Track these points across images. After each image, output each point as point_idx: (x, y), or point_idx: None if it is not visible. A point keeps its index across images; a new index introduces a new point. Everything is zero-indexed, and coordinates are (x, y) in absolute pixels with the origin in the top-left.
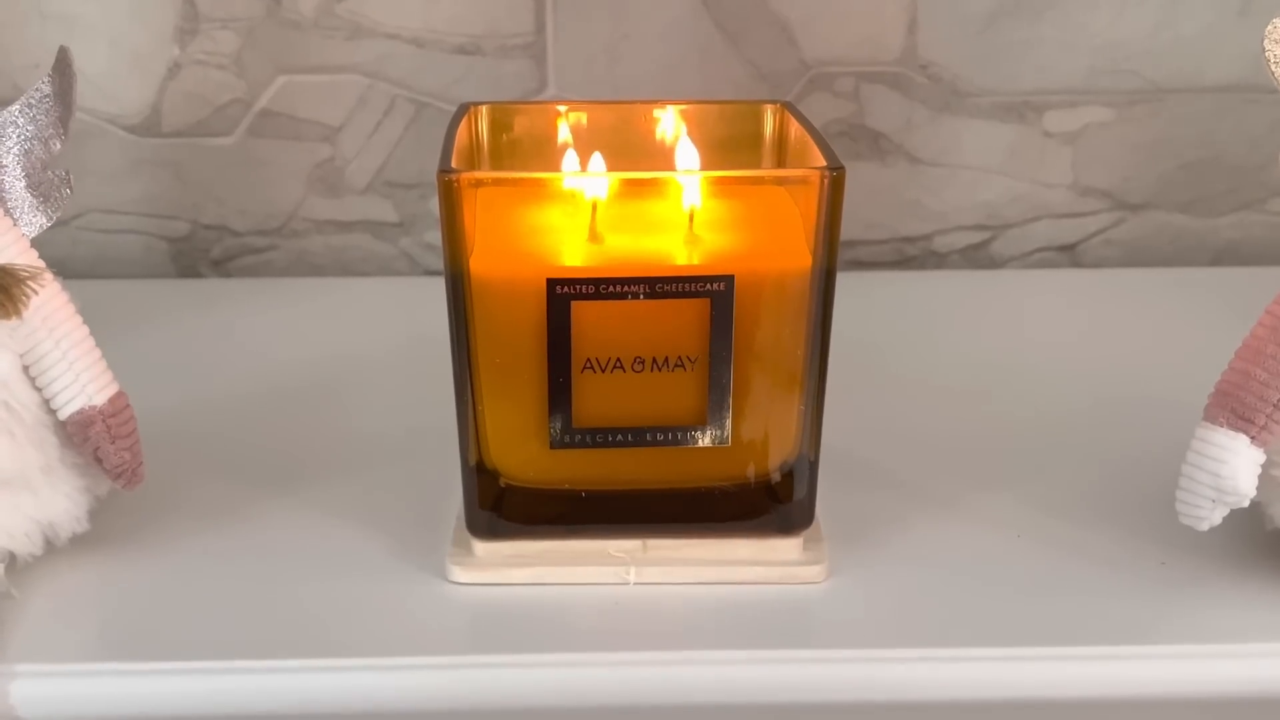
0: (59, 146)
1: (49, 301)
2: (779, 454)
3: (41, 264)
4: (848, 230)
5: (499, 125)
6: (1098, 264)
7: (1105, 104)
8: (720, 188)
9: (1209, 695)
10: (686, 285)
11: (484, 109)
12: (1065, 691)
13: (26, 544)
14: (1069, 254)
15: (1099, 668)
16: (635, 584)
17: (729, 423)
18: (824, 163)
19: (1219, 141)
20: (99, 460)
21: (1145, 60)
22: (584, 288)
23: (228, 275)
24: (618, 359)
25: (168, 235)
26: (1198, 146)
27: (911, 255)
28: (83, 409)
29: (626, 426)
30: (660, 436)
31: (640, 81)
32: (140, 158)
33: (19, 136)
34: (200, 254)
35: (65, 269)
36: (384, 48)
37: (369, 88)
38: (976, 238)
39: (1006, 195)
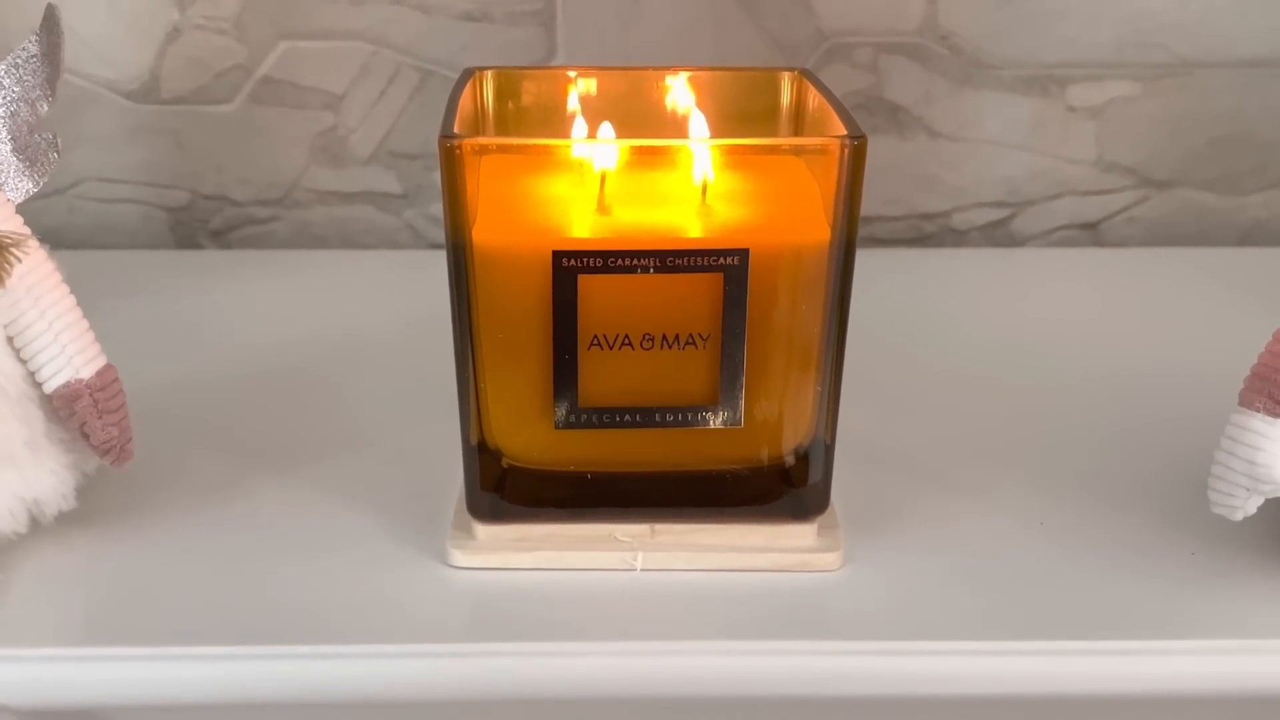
0: (46, 109)
1: (34, 270)
2: (794, 436)
3: (26, 230)
4: (864, 206)
5: (504, 92)
6: (1121, 243)
7: (1131, 78)
8: (735, 157)
9: (1240, 691)
10: (699, 259)
11: (489, 74)
12: (1089, 687)
13: (11, 522)
14: (1092, 232)
15: (1124, 662)
16: (642, 570)
17: (742, 403)
18: (844, 131)
19: (1247, 117)
20: (86, 436)
21: (1172, 33)
22: (591, 260)
23: (228, 246)
24: (626, 335)
25: (166, 205)
26: (1225, 122)
27: (929, 232)
28: (69, 382)
29: (635, 406)
30: (670, 417)
31: (652, 50)
32: (139, 125)
33: (5, 98)
34: (200, 224)
35: (61, 238)
36: (388, 13)
37: (373, 55)
38: (997, 215)
39: (1028, 171)
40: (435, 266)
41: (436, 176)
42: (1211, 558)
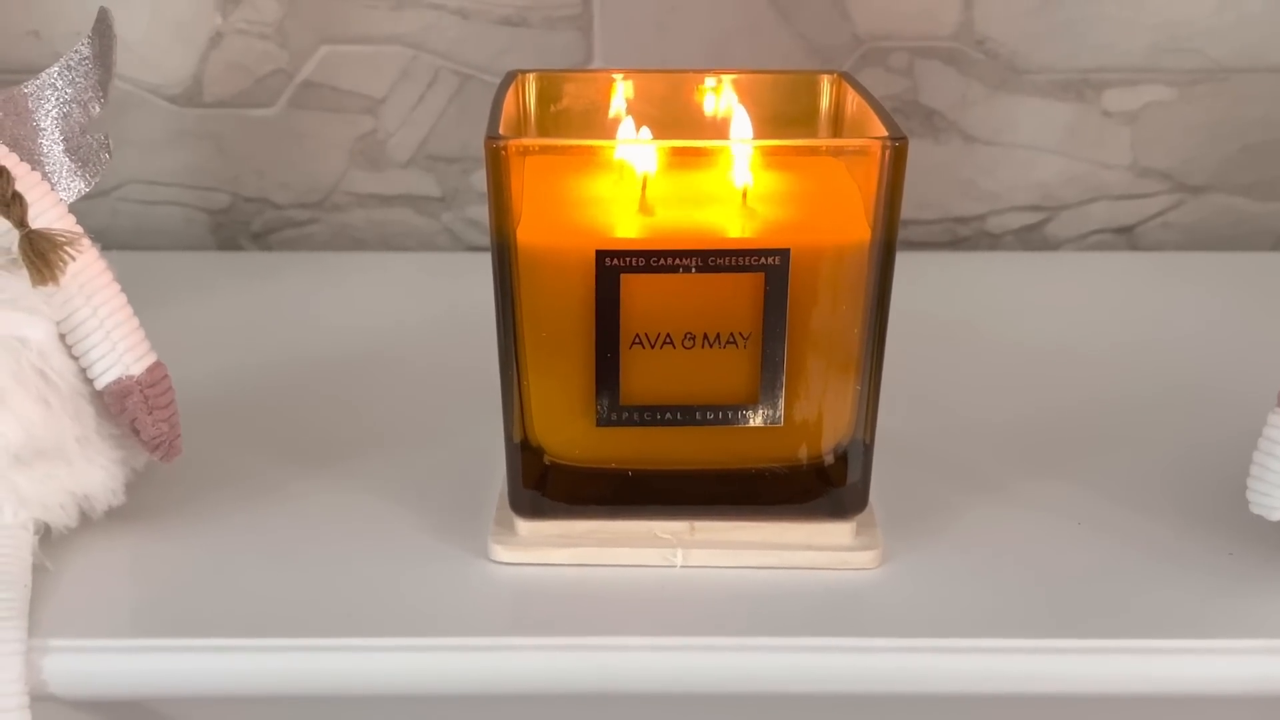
0: (98, 110)
1: (86, 268)
2: (833, 435)
3: (79, 229)
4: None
5: (547, 95)
6: (1156, 247)
7: (1166, 83)
8: (776, 159)
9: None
10: (740, 258)
11: (531, 77)
12: (1127, 686)
13: (61, 516)
14: (1126, 236)
15: (1162, 662)
16: (682, 567)
17: (782, 402)
18: (884, 133)
19: None
20: (136, 431)
21: (1208, 38)
22: (634, 260)
23: (268, 248)
24: (668, 334)
25: (208, 207)
26: (1261, 128)
27: (964, 236)
28: (120, 378)
29: (676, 404)
30: (710, 415)
31: (688, 55)
32: (181, 128)
33: (57, 99)
34: (240, 226)
35: (105, 240)
36: (428, 18)
37: (413, 59)
38: (1031, 219)
39: (1063, 175)
40: (473, 269)
41: (475, 179)
42: (1249, 558)
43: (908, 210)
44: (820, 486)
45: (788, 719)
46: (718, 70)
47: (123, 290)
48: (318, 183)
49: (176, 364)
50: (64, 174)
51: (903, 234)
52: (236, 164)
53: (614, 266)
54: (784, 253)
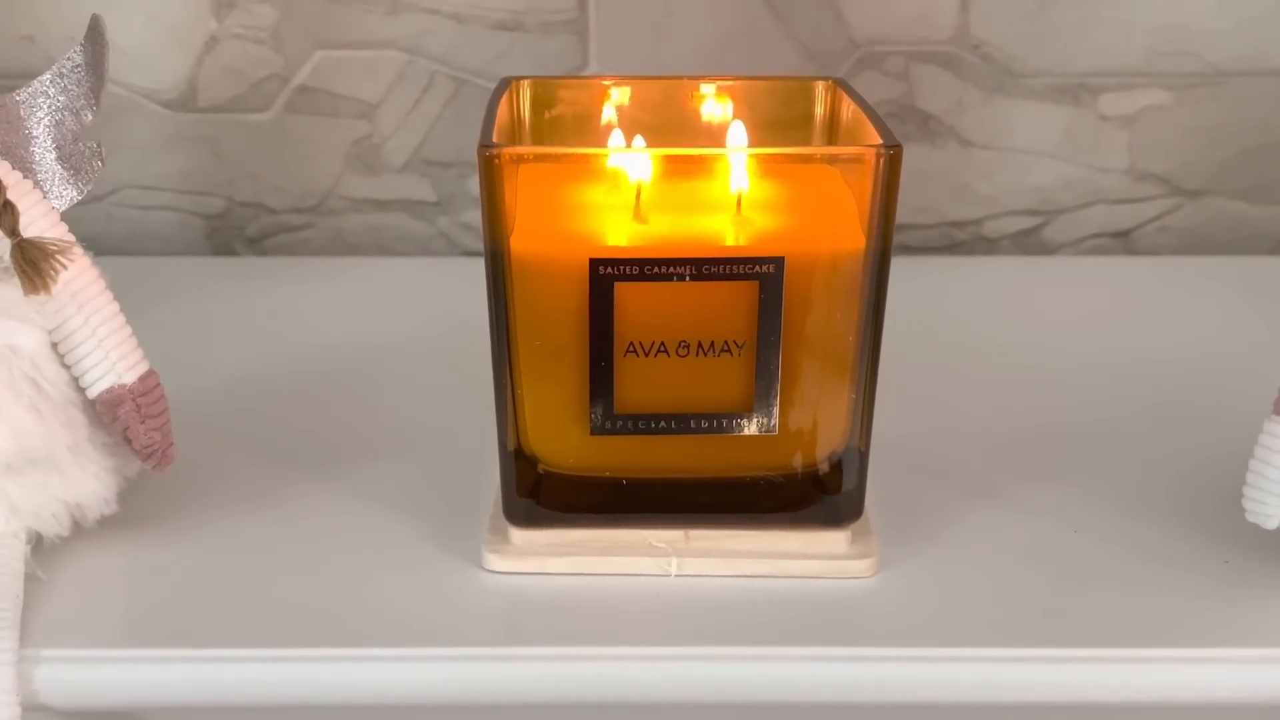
0: (90, 117)
1: (78, 277)
2: (828, 443)
3: (71, 238)
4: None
5: (541, 101)
6: (1153, 251)
7: (1163, 86)
8: (770, 167)
9: (1275, 701)
10: (735, 267)
11: (526, 84)
12: (1122, 695)
13: (54, 525)
14: (1123, 241)
15: (1157, 670)
16: (677, 576)
17: (776, 410)
18: (879, 141)
19: None
20: (128, 440)
21: (1206, 42)
22: (628, 268)
23: (263, 253)
24: (662, 343)
25: (203, 212)
26: (1259, 131)
27: (961, 240)
28: (112, 387)
29: (670, 413)
30: (705, 424)
31: (684, 59)
32: (176, 133)
33: (50, 107)
34: (235, 232)
35: (99, 245)
36: (424, 23)
37: (408, 64)
38: (1028, 223)
39: (1060, 180)
40: (469, 274)
41: (470, 184)
42: (1246, 566)
43: (903, 214)
44: (815, 494)
45: None
46: (713, 77)
47: (115, 298)
48: (313, 187)
49: (170, 370)
50: (56, 182)
51: (899, 238)
52: (231, 169)
53: (608, 275)
54: (778, 261)
